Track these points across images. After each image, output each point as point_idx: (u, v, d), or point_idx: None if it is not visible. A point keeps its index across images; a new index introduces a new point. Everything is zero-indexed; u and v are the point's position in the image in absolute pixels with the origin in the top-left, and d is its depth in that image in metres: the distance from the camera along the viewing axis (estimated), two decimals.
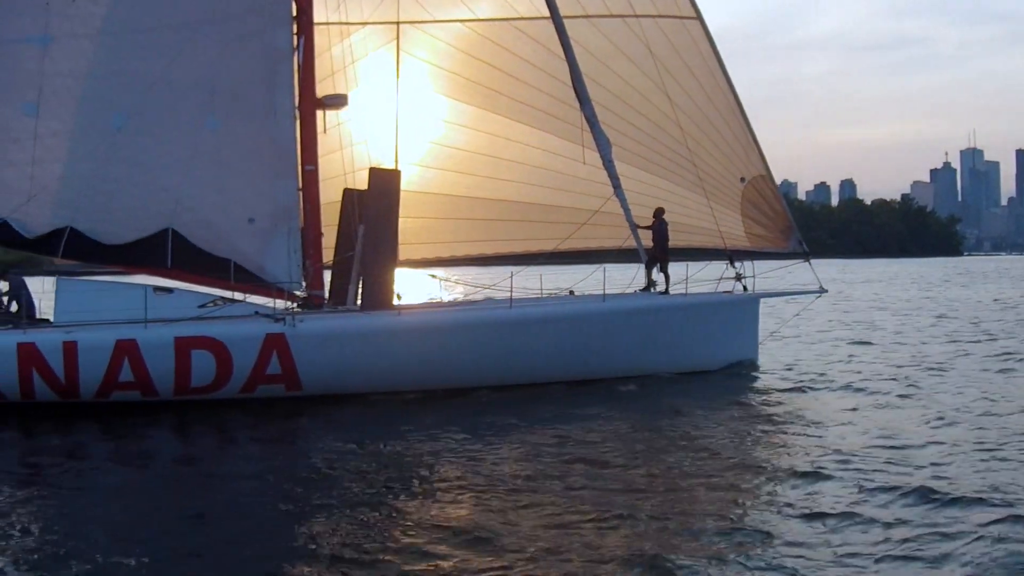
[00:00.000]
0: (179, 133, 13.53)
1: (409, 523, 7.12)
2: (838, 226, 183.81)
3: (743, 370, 14.79)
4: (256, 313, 12.53)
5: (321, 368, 12.04)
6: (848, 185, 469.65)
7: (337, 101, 13.80)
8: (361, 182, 14.11)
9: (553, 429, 10.51)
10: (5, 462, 9.87)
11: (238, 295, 12.92)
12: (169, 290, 12.64)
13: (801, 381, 13.98)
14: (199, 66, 13.66)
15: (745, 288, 15.19)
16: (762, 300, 15.53)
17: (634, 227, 14.70)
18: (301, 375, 11.97)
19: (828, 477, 8.19)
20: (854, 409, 11.65)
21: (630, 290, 15.28)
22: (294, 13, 13.61)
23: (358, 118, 14.68)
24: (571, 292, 15.12)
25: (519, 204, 15.55)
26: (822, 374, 14.72)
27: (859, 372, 14.85)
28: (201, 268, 13.13)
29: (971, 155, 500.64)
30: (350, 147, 14.25)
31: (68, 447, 10.39)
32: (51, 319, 12.89)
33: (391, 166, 14.19)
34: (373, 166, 13.65)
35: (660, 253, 14.82)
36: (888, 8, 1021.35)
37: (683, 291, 14.88)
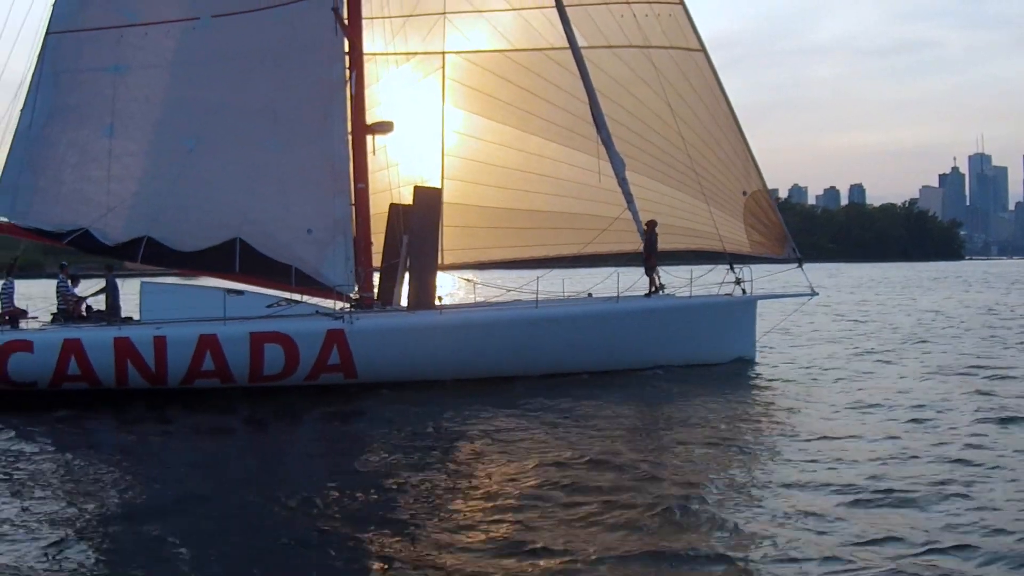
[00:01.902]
0: (244, 154, 15.51)
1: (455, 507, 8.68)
2: (839, 230, 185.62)
3: (742, 365, 16.71)
4: (317, 312, 14.47)
5: (374, 360, 14.02)
6: (857, 190, 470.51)
7: (384, 127, 15.78)
8: (404, 195, 16.10)
9: (570, 421, 12.26)
10: (107, 436, 11.81)
11: (299, 296, 14.85)
12: (240, 292, 14.58)
13: (794, 375, 15.87)
14: (262, 95, 15.64)
15: (744, 291, 17.12)
16: (759, 302, 17.45)
17: (644, 236, 16.61)
18: (357, 366, 13.93)
19: (819, 471, 9.58)
20: (841, 403, 13.54)
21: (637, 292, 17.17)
22: (347, 49, 15.56)
23: (402, 138, 16.59)
24: (589, 294, 17.06)
25: (546, 213, 17.57)
26: (809, 368, 16.62)
27: (840, 369, 16.74)
28: (266, 273, 15.10)
29: (979, 160, 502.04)
30: (396, 165, 16.17)
31: (156, 429, 12.34)
32: (132, 317, 14.87)
33: (433, 183, 16.18)
34: (417, 184, 15.63)
35: (650, 258, 16.66)
36: (896, 13, 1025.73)
37: (688, 293, 16.85)
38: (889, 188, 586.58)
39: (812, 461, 9.65)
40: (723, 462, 9.91)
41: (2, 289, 14.84)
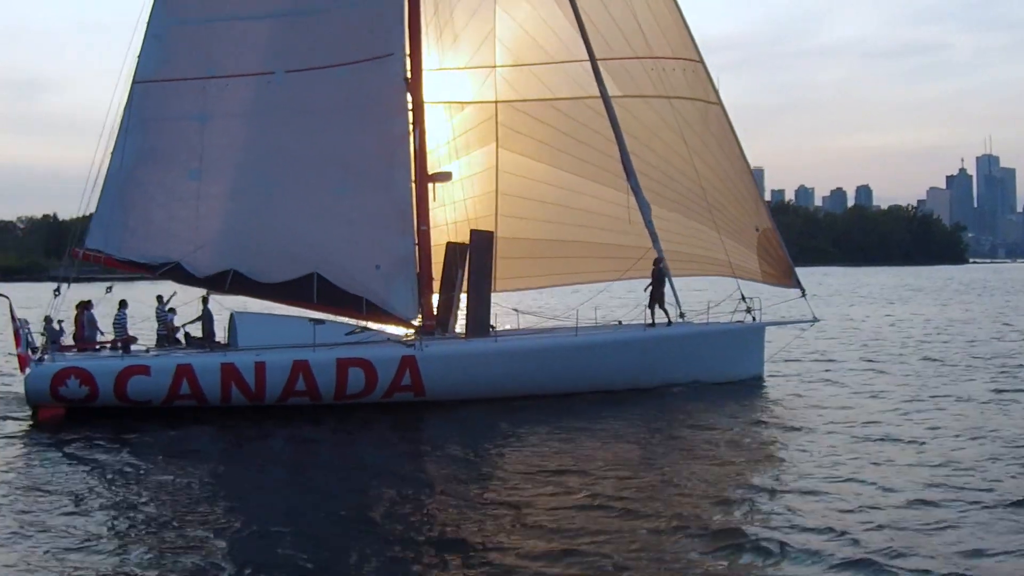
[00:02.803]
0: (319, 198, 18.28)
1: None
2: (842, 234, 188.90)
3: (753, 383, 19.67)
4: (388, 339, 17.30)
5: (440, 381, 16.87)
6: (864, 191, 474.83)
7: (444, 177, 18.61)
8: (458, 229, 18.96)
9: (600, 435, 15.11)
10: (209, 449, 14.61)
11: (371, 324, 17.67)
12: (321, 321, 17.36)
13: (798, 391, 18.79)
14: (333, 144, 18.41)
15: (754, 318, 20.06)
16: (766, 327, 20.40)
17: (668, 274, 19.50)
18: (426, 386, 16.78)
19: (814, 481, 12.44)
20: (841, 414, 16.45)
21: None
22: (410, 105, 18.37)
23: (458, 177, 19.41)
24: (619, 322, 19.96)
25: (583, 243, 20.44)
26: (813, 384, 19.55)
27: (838, 382, 19.68)
28: (339, 303, 17.89)
29: (987, 162, 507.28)
30: (451, 203, 18.99)
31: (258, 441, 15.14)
32: (221, 342, 17.66)
33: (485, 220, 19.09)
34: (473, 228, 18.50)
35: (656, 292, 19.56)
36: (903, 15, 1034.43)
37: (706, 319, 19.79)
38: (896, 190, 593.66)
39: (819, 466, 12.54)
40: (744, 472, 12.79)
41: (116, 319, 17.55)
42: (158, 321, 18.07)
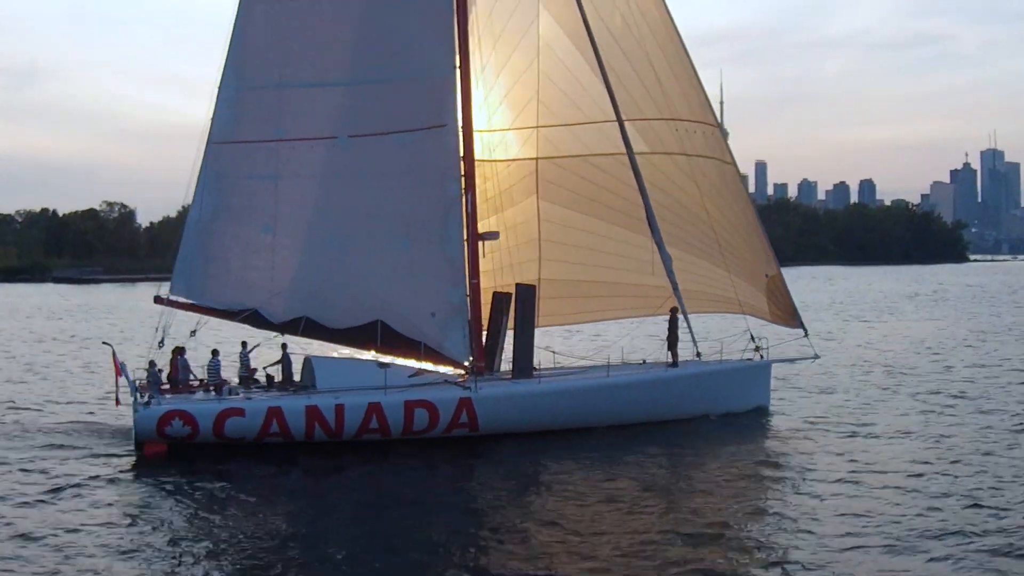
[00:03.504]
0: (382, 252, 21.18)
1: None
2: (842, 232, 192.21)
3: (760, 413, 22.76)
4: (446, 380, 20.25)
5: (492, 418, 19.85)
6: (867, 185, 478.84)
7: (492, 235, 21.53)
8: (504, 274, 21.89)
9: (628, 465, 18.24)
10: (294, 484, 17.59)
11: (428, 365, 20.63)
12: (387, 364, 20.29)
13: (799, 420, 21.85)
14: (393, 203, 21.28)
15: (762, 356, 23.11)
16: (773, 364, 23.45)
17: (686, 314, 22.51)
18: (480, 423, 19.75)
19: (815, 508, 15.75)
20: (844, 449, 19.51)
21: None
22: (463, 171, 21.27)
23: (505, 227, 22.35)
24: (643, 361, 22.98)
25: (614, 284, 23.41)
26: (820, 416, 22.61)
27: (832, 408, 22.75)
28: (400, 347, 20.82)
29: (991, 156, 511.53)
30: (499, 250, 21.90)
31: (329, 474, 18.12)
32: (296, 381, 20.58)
33: (531, 267, 22.15)
34: (519, 283, 21.46)
35: (672, 335, 22.60)
36: (910, 7, 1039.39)
37: (720, 358, 22.83)
38: (900, 183, 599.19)
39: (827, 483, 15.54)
40: (753, 494, 15.80)
41: (211, 365, 20.45)
42: (240, 364, 20.97)
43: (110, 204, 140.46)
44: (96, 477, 17.45)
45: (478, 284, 21.33)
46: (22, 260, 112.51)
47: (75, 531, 14.33)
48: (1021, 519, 14.32)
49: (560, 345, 23.58)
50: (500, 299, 21.66)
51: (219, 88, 22.27)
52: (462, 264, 21.06)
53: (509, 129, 23.15)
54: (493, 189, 22.65)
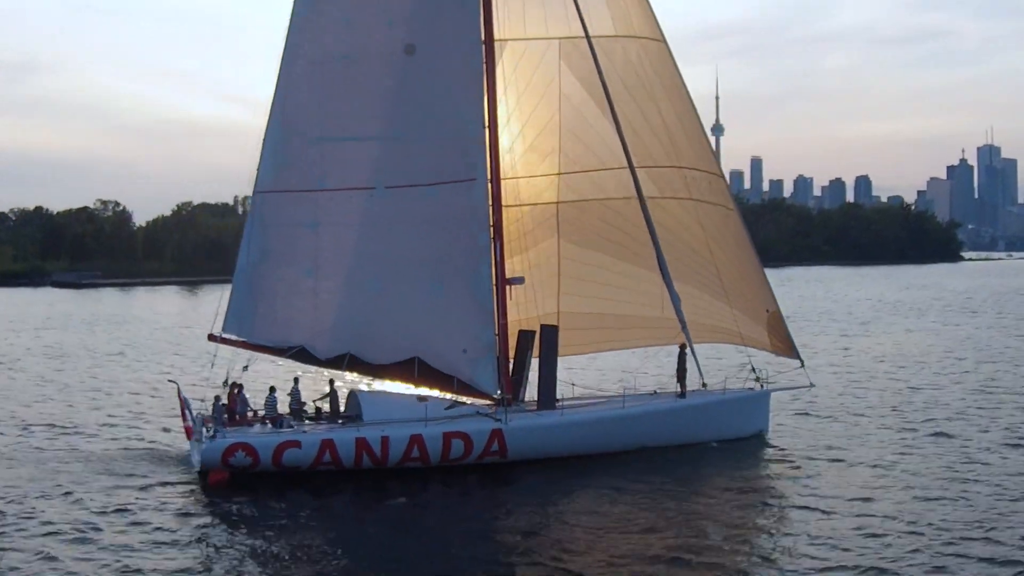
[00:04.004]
0: (417, 295, 23.63)
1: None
2: (836, 232, 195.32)
3: (760, 437, 25.38)
4: (478, 412, 22.75)
5: (520, 446, 22.38)
6: (863, 182, 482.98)
7: (517, 280, 24.04)
8: (528, 308, 24.35)
9: (646, 485, 20.89)
10: (345, 509, 20.11)
11: (461, 398, 23.15)
12: (425, 397, 22.79)
13: (796, 444, 24.46)
14: (427, 250, 23.73)
15: (762, 386, 25.72)
16: (771, 393, 26.06)
17: (693, 349, 25.07)
18: (509, 451, 22.28)
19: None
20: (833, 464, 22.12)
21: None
22: (492, 221, 23.74)
23: (529, 266, 24.86)
24: (655, 391, 25.57)
25: (632, 316, 25.95)
26: (813, 441, 25.22)
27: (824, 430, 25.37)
28: (436, 381, 23.31)
29: (988, 152, 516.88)
30: (523, 287, 24.37)
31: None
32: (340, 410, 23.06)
33: (552, 301, 24.71)
34: (543, 323, 23.99)
35: (681, 368, 25.20)
36: (911, 2, 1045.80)
37: (724, 387, 25.44)
38: (896, 180, 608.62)
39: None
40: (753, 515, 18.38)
41: (268, 400, 22.88)
42: (291, 397, 23.42)
43: (104, 202, 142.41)
44: (165, 503, 19.92)
45: (505, 324, 23.86)
46: (18, 262, 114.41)
47: (149, 553, 16.93)
48: (1011, 549, 16.79)
49: (579, 371, 26.12)
50: (525, 336, 24.20)
51: (264, 140, 24.70)
52: (491, 306, 23.56)
53: (533, 176, 25.65)
54: (517, 231, 25.16)
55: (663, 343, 26.52)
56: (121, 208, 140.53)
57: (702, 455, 23.94)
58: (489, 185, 23.89)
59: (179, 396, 22.90)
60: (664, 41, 26.06)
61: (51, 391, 35.49)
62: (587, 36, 24.73)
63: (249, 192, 24.98)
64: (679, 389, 24.99)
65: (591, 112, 25.64)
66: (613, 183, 25.72)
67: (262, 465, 21.25)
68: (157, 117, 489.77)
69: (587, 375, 29.60)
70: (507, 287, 23.93)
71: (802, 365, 26.76)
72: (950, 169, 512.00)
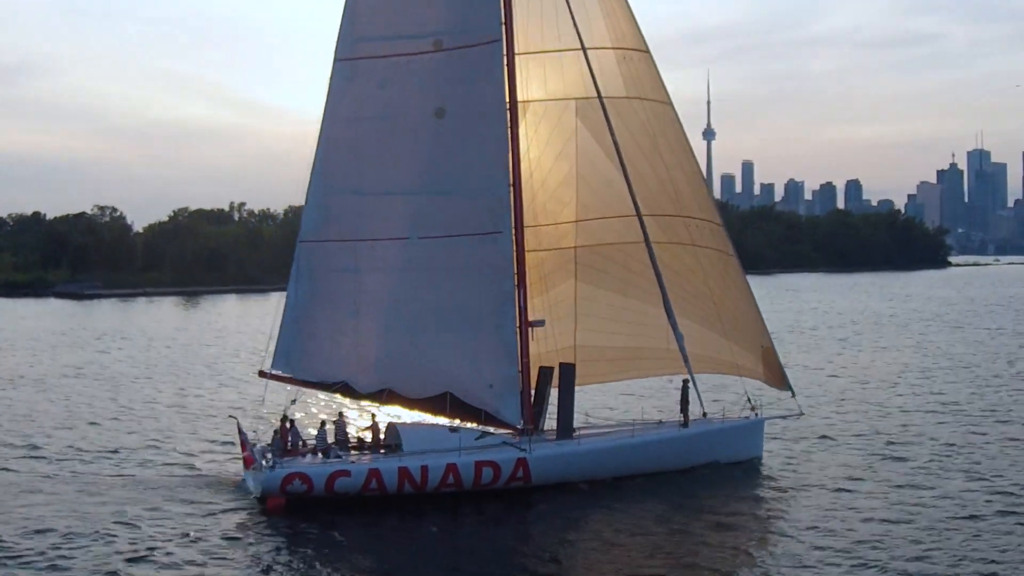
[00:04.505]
0: (448, 336, 26.56)
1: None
2: (823, 239, 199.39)
3: (755, 462, 28.45)
4: (504, 442, 25.70)
5: (542, 472, 25.33)
6: (853, 186, 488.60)
7: (539, 324, 27.00)
8: (548, 344, 27.31)
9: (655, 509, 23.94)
10: (389, 533, 23.09)
11: (489, 429, 26.12)
12: (456, 429, 25.73)
13: (789, 467, 27.51)
14: (459, 296, 26.64)
15: (756, 415, 28.80)
16: (765, 421, 29.15)
17: (695, 382, 28.09)
18: (532, 477, 25.25)
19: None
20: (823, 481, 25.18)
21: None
22: (515, 269, 26.70)
23: (549, 304, 27.83)
24: (660, 421, 28.59)
25: (643, 349, 28.94)
26: (805, 465, 28.24)
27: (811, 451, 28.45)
28: (466, 413, 26.25)
29: (978, 156, 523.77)
30: (542, 328, 27.36)
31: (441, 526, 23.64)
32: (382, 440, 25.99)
33: (569, 336, 27.67)
34: (561, 362, 26.98)
35: (684, 400, 28.24)
36: (900, 5, 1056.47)
37: (722, 416, 28.52)
38: (886, 183, 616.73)
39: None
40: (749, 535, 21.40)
41: (319, 434, 25.74)
42: (336, 429, 26.30)
43: (101, 208, 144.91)
44: (227, 527, 22.72)
45: (528, 362, 26.81)
46: (19, 271, 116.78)
47: (222, 571, 19.81)
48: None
49: (593, 402, 29.12)
50: (545, 372, 27.18)
51: (307, 194, 27.72)
52: (515, 347, 26.51)
53: (553, 224, 28.63)
54: (538, 274, 28.15)
55: (670, 373, 29.68)
56: (119, 214, 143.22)
57: (702, 479, 26.96)
58: (514, 236, 26.83)
59: (239, 429, 25.80)
60: (670, 103, 29.12)
61: (85, 412, 38.18)
62: (600, 97, 27.69)
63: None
64: (682, 419, 28.03)
65: (604, 165, 28.64)
66: (624, 229, 28.70)
67: (316, 492, 24.12)
68: (150, 119, 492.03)
69: (604, 402, 32.54)
70: (529, 329, 26.89)
71: (793, 395, 29.87)
72: (940, 173, 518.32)
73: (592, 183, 28.83)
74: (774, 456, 29.37)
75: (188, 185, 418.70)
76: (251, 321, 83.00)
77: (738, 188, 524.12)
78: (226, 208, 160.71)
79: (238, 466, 27.17)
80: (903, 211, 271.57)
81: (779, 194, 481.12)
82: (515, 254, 26.71)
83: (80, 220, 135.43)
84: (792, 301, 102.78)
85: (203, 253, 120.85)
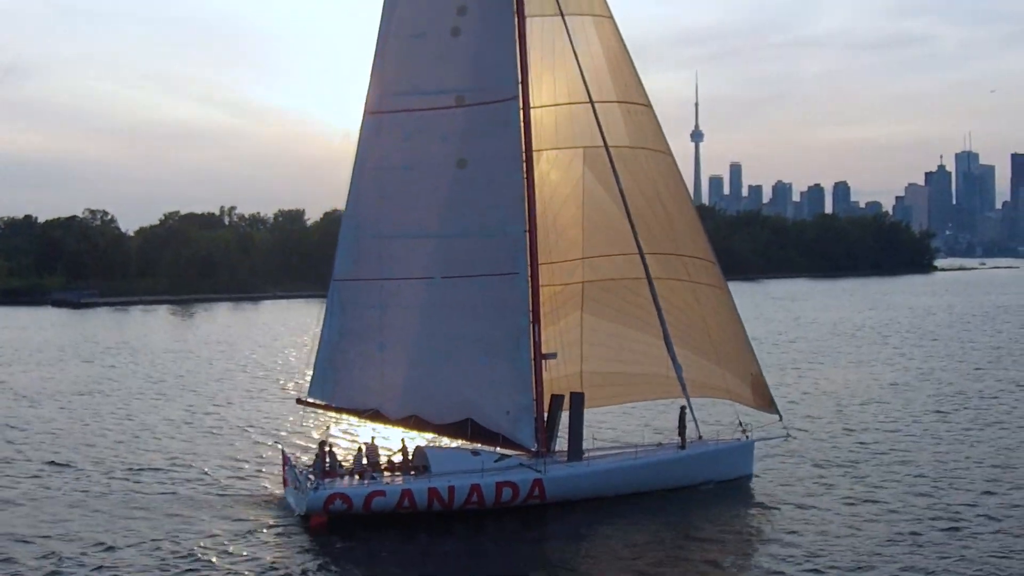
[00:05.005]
0: (468, 367, 29.72)
1: None
2: (809, 243, 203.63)
3: (746, 480, 31.79)
4: (521, 464, 28.89)
5: (556, 491, 28.55)
6: (841, 188, 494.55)
7: (551, 356, 30.20)
8: (559, 370, 30.54)
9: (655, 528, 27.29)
10: (421, 549, 26.27)
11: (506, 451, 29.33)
12: (478, 452, 28.90)
13: (779, 486, 30.82)
14: (478, 331, 29.78)
15: (747, 437, 32.14)
16: (755, 442, 32.49)
17: (692, 409, 31.40)
18: (547, 495, 28.47)
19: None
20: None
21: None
22: (530, 307, 29.87)
23: (559, 334, 31.05)
24: (659, 444, 31.88)
25: (645, 375, 32.13)
26: (791, 481, 31.56)
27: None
28: (485, 437, 29.42)
29: (966, 158, 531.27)
30: (554, 358, 30.60)
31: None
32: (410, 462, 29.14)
33: (576, 364, 30.91)
34: (572, 391, 30.22)
35: (681, 426, 31.55)
36: (891, 7, 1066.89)
37: (716, 438, 31.86)
38: (875, 185, 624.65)
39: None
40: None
41: (356, 458, 28.83)
42: (369, 452, 29.41)
43: (93, 212, 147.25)
44: (273, 543, 25.81)
45: (541, 390, 30.02)
46: (13, 276, 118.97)
47: None
48: None
49: (600, 418, 32.53)
50: (556, 399, 30.42)
51: (340, 237, 30.86)
52: (530, 377, 29.71)
53: (563, 261, 31.83)
54: (550, 306, 31.34)
55: (667, 397, 32.92)
56: (110, 217, 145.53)
57: (699, 496, 30.26)
58: (529, 277, 30.02)
59: (283, 453, 28.92)
60: (670, 153, 32.42)
61: (113, 429, 41.21)
62: (606, 146, 30.93)
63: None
64: (680, 442, 31.34)
65: (610, 208, 31.84)
66: (627, 266, 31.94)
67: (355, 510, 27.22)
68: (140, 119, 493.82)
69: (606, 422, 35.95)
70: (543, 360, 30.10)
71: (780, 419, 33.23)
72: (928, 175, 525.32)
73: (598, 223, 32.04)
74: (764, 474, 32.72)
75: (178, 186, 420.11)
76: (250, 332, 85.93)
77: (726, 190, 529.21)
78: (216, 212, 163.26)
79: (274, 485, 30.26)
80: (891, 212, 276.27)
81: (767, 196, 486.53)
82: (530, 292, 29.91)
83: (72, 224, 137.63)
84: (777, 310, 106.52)
85: (196, 260, 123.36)
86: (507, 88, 30.03)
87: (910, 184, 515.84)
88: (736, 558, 25.13)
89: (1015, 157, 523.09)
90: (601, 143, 30.89)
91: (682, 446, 31.30)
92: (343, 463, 29.10)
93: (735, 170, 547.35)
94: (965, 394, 48.98)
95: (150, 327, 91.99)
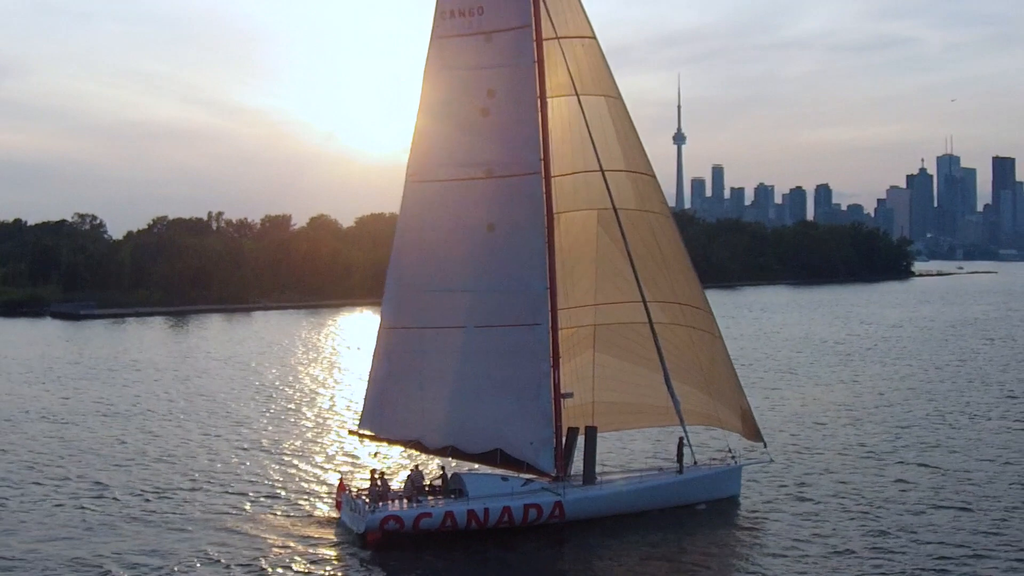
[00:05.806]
0: (497, 404, 35.34)
1: None
2: (788, 251, 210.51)
3: (733, 499, 37.63)
4: (543, 488, 34.54)
5: (574, 511, 34.24)
6: (823, 190, 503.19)
7: (568, 395, 35.90)
8: (569, 401, 36.25)
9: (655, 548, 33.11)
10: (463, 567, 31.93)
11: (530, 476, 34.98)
12: (506, 477, 34.52)
13: (765, 503, 36.63)
14: (505, 374, 35.35)
15: (735, 462, 38.04)
16: (743, 467, 38.37)
17: (688, 440, 37.20)
18: (566, 514, 34.17)
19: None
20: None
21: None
22: (551, 353, 35.50)
23: (573, 370, 36.77)
24: (660, 469, 37.67)
25: (651, 405, 37.87)
26: (774, 500, 37.39)
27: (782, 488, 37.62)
28: (512, 465, 35.06)
29: (948, 161, 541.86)
30: (571, 396, 36.30)
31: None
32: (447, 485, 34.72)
33: (588, 395, 36.66)
34: (586, 424, 35.95)
35: (679, 453, 37.37)
36: (875, 9, 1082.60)
37: (709, 463, 37.75)
38: (857, 187, 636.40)
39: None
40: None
41: (405, 484, 34.33)
42: (414, 477, 34.94)
43: (81, 216, 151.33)
44: (337, 559, 31.35)
45: (560, 425, 35.73)
46: (7, 284, 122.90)
47: None
48: None
49: (609, 447, 38.35)
50: (572, 431, 36.16)
51: (385, 289, 36.47)
52: (551, 413, 35.36)
53: (578, 307, 37.47)
54: (565, 347, 37.03)
55: (668, 425, 38.69)
56: (99, 222, 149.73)
57: (693, 514, 36.10)
58: (550, 328, 35.68)
59: (340, 481, 34.46)
60: (670, 216, 38.28)
61: (151, 449, 46.32)
62: (615, 208, 36.65)
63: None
64: (678, 467, 37.21)
65: (619, 263, 37.51)
66: (633, 311, 37.69)
67: (406, 530, 32.79)
68: (123, 119, 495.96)
69: (611, 446, 41.89)
70: (561, 399, 35.82)
71: (765, 446, 39.17)
72: (910, 178, 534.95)
73: (608, 275, 37.76)
74: (749, 494, 38.61)
75: (163, 186, 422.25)
76: (246, 346, 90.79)
77: (708, 192, 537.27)
78: (204, 217, 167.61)
79: (329, 507, 35.84)
80: (872, 215, 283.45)
81: (749, 198, 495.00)
82: (551, 341, 35.60)
83: (62, 228, 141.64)
84: (753, 323, 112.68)
85: (188, 272, 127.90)
86: (531, 163, 35.63)
87: (892, 187, 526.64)
88: (732, 560, 30.92)
89: (996, 160, 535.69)
90: (611, 206, 36.62)
91: (680, 471, 37.12)
92: (392, 488, 34.63)
93: (717, 172, 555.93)
94: (942, 413, 55.18)
95: (150, 340, 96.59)
